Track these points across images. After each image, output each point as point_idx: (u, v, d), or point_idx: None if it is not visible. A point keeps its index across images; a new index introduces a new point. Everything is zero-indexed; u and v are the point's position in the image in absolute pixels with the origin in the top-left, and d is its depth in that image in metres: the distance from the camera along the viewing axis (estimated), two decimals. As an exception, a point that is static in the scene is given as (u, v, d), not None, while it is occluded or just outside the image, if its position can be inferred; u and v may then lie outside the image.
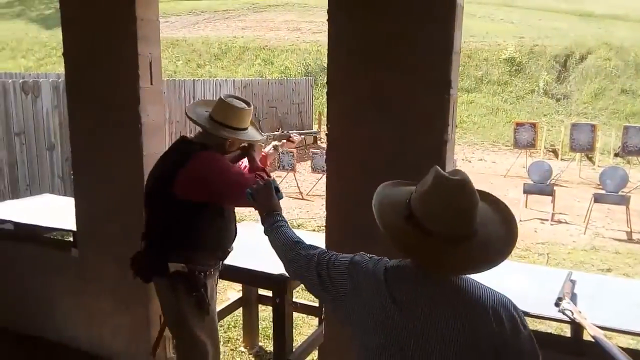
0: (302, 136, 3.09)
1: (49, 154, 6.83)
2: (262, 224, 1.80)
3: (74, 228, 3.29)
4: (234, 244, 2.59)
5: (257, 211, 1.88)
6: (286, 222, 1.78)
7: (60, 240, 3.78)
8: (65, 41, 3.11)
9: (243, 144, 2.55)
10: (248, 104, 2.50)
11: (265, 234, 1.76)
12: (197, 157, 2.31)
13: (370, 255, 1.51)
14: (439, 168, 1.34)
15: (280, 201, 1.89)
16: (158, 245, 2.37)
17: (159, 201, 2.36)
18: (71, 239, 3.40)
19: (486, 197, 1.46)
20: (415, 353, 1.32)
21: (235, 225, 2.60)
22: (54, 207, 4.01)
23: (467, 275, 1.39)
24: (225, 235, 2.49)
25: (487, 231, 1.35)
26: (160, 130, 3.11)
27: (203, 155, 2.33)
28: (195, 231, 2.33)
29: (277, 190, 1.93)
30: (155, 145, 3.02)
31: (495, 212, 1.43)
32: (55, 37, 19.97)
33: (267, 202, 1.84)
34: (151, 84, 2.93)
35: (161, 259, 2.34)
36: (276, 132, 3.08)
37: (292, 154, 8.92)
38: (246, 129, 2.47)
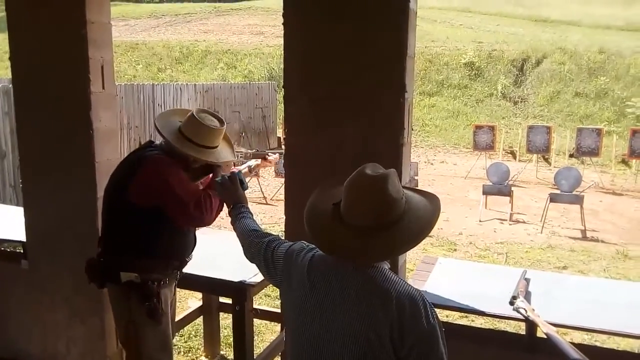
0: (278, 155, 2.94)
1: None
2: (229, 215, 1.96)
3: (24, 239, 3.17)
4: (194, 253, 2.52)
5: (224, 203, 2.07)
6: (250, 213, 1.95)
7: (10, 252, 3.63)
8: (11, 45, 2.99)
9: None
10: (221, 121, 2.40)
11: (232, 224, 1.92)
12: (149, 162, 2.25)
13: (308, 244, 1.61)
14: (368, 165, 1.44)
15: None
16: (111, 252, 2.31)
17: (114, 206, 2.30)
18: (22, 250, 3.27)
19: (421, 192, 1.58)
20: (324, 335, 1.43)
21: (195, 234, 2.51)
22: (5, 217, 3.85)
23: (385, 269, 1.46)
24: (182, 244, 2.41)
25: (411, 219, 1.44)
26: (114, 136, 3.03)
27: (154, 160, 2.26)
28: (149, 239, 2.27)
29: (242, 182, 2.09)
30: (109, 151, 2.94)
31: (428, 201, 1.53)
32: (6, 41, 19.26)
33: (233, 194, 2.01)
34: (103, 88, 2.85)
35: (114, 266, 2.27)
36: (250, 151, 2.95)
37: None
38: (216, 147, 2.38)
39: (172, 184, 2.21)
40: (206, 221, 2.29)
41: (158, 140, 2.47)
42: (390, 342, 1.35)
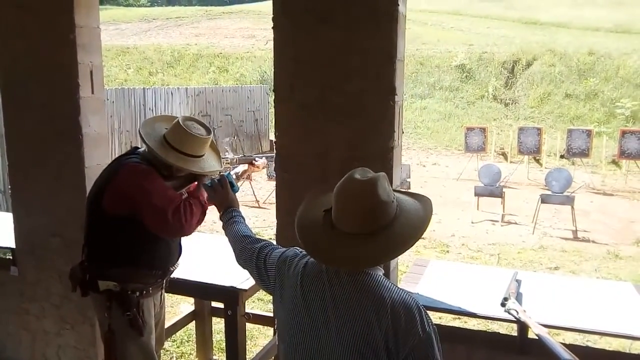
0: (265, 159, 2.79)
1: (-11, 168, 6.51)
2: (220, 219, 1.93)
3: (13, 245, 3.14)
4: (180, 259, 2.47)
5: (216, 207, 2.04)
6: (241, 217, 1.91)
7: (-1, 258, 3.60)
8: (-1, 49, 2.97)
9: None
10: (208, 130, 2.34)
11: (223, 229, 1.89)
12: (124, 169, 2.20)
13: (301, 250, 1.58)
14: (357, 170, 1.43)
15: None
16: (91, 260, 2.28)
17: (94, 213, 2.26)
18: (11, 256, 3.23)
19: (412, 194, 1.56)
20: (316, 343, 1.40)
21: (180, 243, 2.45)
22: (-7, 223, 3.81)
23: (379, 275, 1.44)
24: (164, 254, 2.34)
25: (403, 222, 1.42)
26: (104, 141, 3.01)
27: (129, 168, 2.20)
28: (127, 248, 2.22)
29: (232, 184, 2.06)
30: (99, 156, 2.92)
31: (420, 204, 1.51)
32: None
33: (224, 198, 1.99)
34: (92, 93, 2.83)
35: (93, 274, 2.24)
36: (236, 156, 2.85)
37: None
38: (201, 156, 2.32)
39: (148, 192, 2.14)
40: (186, 230, 2.22)
41: (143, 146, 2.41)
42: (385, 351, 1.33)
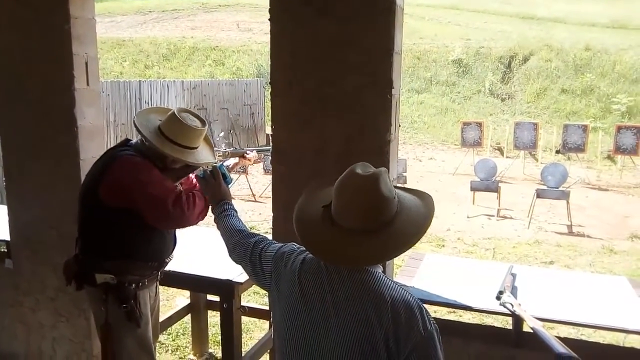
0: (257, 152, 2.79)
1: (-16, 160, 6.47)
2: (212, 212, 1.91)
3: (8, 238, 3.12)
4: (176, 252, 2.46)
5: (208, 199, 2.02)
6: (234, 210, 1.87)
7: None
8: (-7, 40, 2.94)
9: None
10: (203, 122, 2.33)
11: (215, 222, 1.85)
12: (119, 162, 2.18)
13: (299, 246, 1.55)
14: (357, 165, 1.39)
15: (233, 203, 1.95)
16: (86, 253, 2.27)
17: (88, 206, 2.25)
18: (6, 249, 3.22)
19: (413, 191, 1.53)
20: (315, 341, 1.37)
21: (175, 234, 2.45)
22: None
23: (379, 273, 1.41)
24: (159, 245, 2.33)
25: (404, 219, 1.39)
26: (100, 134, 2.99)
27: (124, 160, 2.19)
28: (123, 240, 2.21)
29: (225, 176, 2.02)
30: (94, 149, 2.90)
31: (421, 201, 1.48)
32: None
33: (217, 190, 1.95)
34: (87, 85, 2.81)
35: (89, 267, 2.23)
36: (228, 149, 2.83)
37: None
38: (196, 148, 2.31)
39: (145, 184, 2.13)
40: (187, 220, 2.21)
41: (135, 138, 2.39)
42: (386, 350, 1.31)
